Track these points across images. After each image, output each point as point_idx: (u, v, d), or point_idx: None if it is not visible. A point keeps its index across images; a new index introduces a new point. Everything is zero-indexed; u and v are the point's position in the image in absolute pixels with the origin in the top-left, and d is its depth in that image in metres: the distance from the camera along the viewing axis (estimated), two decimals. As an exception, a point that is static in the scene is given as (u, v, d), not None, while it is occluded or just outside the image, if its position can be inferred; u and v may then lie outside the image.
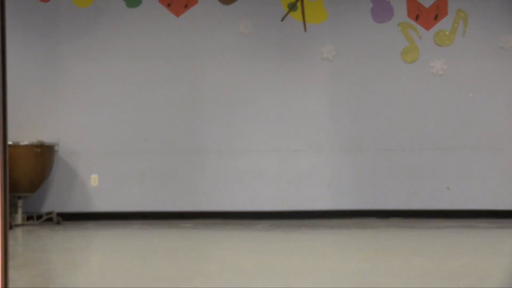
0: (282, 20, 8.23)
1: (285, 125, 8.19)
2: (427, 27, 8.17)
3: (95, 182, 8.19)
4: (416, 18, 8.18)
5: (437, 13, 8.18)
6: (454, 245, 6.11)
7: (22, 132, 8.08)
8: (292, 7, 8.21)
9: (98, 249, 6.40)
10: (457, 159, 8.11)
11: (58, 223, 7.86)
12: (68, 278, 4.53)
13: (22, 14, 8.23)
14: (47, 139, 8.02)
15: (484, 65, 8.14)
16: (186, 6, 8.26)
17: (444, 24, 8.18)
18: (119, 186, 8.20)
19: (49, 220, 7.90)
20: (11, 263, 5.17)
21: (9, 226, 2.51)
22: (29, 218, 7.83)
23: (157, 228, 7.46)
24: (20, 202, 7.69)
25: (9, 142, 7.60)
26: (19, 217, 7.67)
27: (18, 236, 6.92)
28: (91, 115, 8.22)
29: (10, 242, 6.38)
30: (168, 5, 8.26)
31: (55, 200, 8.16)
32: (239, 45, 8.25)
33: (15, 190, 7.65)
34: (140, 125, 8.21)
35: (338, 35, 8.21)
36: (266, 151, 8.18)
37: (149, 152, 8.20)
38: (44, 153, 7.74)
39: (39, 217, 7.88)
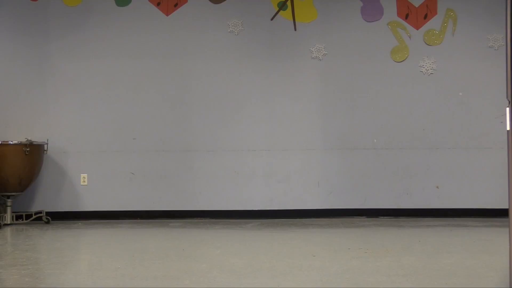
0: (272, 19, 8.23)
1: (275, 124, 8.20)
2: (417, 26, 8.19)
3: (85, 181, 8.17)
4: (406, 17, 8.21)
5: (427, 12, 8.20)
6: (443, 243, 6.13)
7: (11, 131, 8.06)
8: (282, 6, 8.22)
9: (88, 249, 6.38)
10: (447, 158, 8.14)
11: (47, 222, 7.84)
12: (58, 278, 4.52)
13: (10, 13, 8.19)
14: (36, 138, 7.99)
15: (473, 64, 8.17)
16: (176, 5, 8.25)
17: (433, 23, 8.20)
18: (109, 186, 8.18)
19: (39, 219, 7.88)
20: (0, 263, 5.16)
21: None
22: (18, 217, 7.81)
23: (146, 227, 7.45)
24: (9, 202, 7.67)
25: (-2, 141, 7.60)
26: (8, 217, 7.65)
27: (7, 235, 6.90)
28: (80, 114, 8.20)
29: (-1, 242, 6.37)
30: (158, 4, 8.24)
31: (45, 199, 8.14)
32: (229, 44, 8.24)
33: (4, 190, 7.63)
34: (130, 124, 8.20)
35: (328, 34, 8.22)
36: (256, 150, 8.18)
37: (139, 152, 8.18)
38: (33, 152, 7.71)
39: (28, 216, 7.86)
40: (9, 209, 7.67)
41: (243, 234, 6.90)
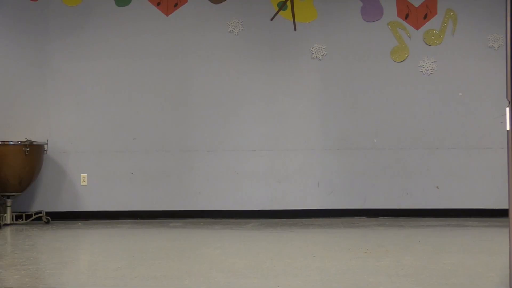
0: (272, 19, 8.23)
1: (275, 124, 8.19)
2: (417, 26, 8.19)
3: (85, 181, 8.17)
4: (406, 17, 8.20)
5: (427, 12, 8.20)
6: (443, 244, 6.13)
7: (11, 131, 8.06)
8: (282, 6, 8.22)
9: (87, 249, 6.38)
10: (446, 158, 8.13)
11: (47, 222, 7.84)
12: (58, 278, 4.52)
13: (11, 13, 8.19)
14: (36, 138, 7.99)
15: (473, 64, 8.17)
16: (176, 5, 8.25)
17: (433, 23, 8.20)
18: (109, 185, 8.18)
19: (38, 219, 7.88)
20: (0, 263, 5.16)
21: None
22: (18, 217, 7.81)
23: (146, 227, 7.45)
24: (9, 202, 7.67)
25: (-2, 141, 7.60)
26: (8, 217, 7.65)
27: (7, 235, 6.90)
28: (80, 114, 8.20)
29: (-1, 242, 6.37)
30: (158, 4, 8.24)
31: (44, 199, 8.14)
32: (228, 44, 8.24)
33: (4, 190, 7.63)
34: (130, 124, 8.20)
35: (328, 34, 8.22)
36: (256, 150, 8.18)
37: (139, 152, 8.18)
38: (33, 152, 7.71)
39: (28, 216, 7.86)
40: (9, 209, 7.67)
41: (243, 234, 6.90)
